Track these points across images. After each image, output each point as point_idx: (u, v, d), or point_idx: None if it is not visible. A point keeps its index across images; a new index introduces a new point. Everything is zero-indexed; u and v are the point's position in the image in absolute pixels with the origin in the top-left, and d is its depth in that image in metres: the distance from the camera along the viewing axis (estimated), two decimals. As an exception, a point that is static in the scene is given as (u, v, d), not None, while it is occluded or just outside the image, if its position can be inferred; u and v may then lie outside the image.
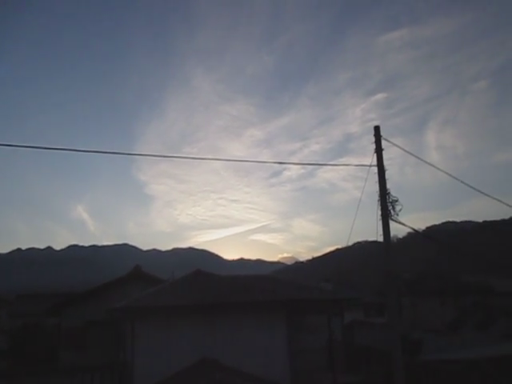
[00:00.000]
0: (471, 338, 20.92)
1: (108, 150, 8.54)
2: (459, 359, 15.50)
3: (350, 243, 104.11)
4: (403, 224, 9.77)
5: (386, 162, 9.98)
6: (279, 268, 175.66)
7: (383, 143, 10.07)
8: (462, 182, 10.62)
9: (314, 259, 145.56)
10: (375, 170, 9.96)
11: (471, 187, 10.83)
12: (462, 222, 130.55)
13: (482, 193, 10.93)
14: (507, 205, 11.31)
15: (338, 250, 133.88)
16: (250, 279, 18.36)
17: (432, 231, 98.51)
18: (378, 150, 10.00)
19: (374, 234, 9.59)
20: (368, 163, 10.14)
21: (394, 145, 10.22)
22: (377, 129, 10.15)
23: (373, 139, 10.10)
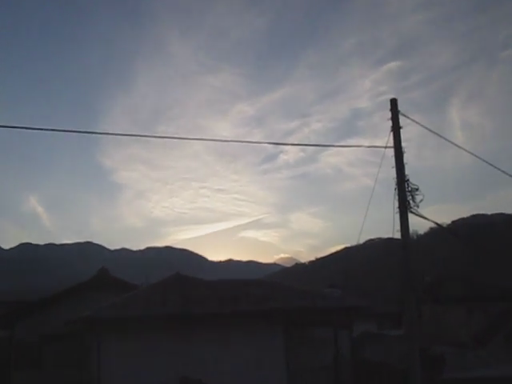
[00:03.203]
0: (502, 353, 21.29)
1: (66, 129, 8.39)
2: (487, 377, 15.78)
3: (361, 241, 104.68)
4: (425, 217, 9.86)
5: (403, 144, 10.03)
6: (275, 271, 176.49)
7: (401, 120, 10.10)
8: (494, 166, 10.71)
9: (317, 260, 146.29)
10: (390, 152, 9.99)
11: (505, 173, 10.92)
12: (493, 214, 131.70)
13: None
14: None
15: (346, 249, 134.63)
16: (240, 284, 18.43)
17: (458, 226, 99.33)
18: (396, 128, 10.02)
19: (390, 229, 9.67)
20: (381, 144, 10.18)
21: (414, 122, 10.26)
22: (393, 102, 10.16)
23: (386, 116, 10.13)
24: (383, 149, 10.11)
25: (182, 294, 15.24)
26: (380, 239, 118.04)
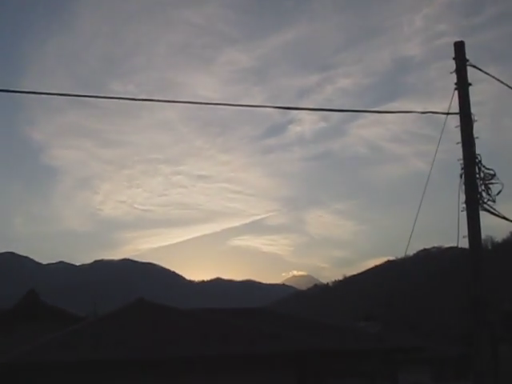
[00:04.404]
0: None
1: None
2: None
3: (411, 252, 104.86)
4: (504, 217, 9.86)
5: (473, 109, 9.99)
6: (285, 295, 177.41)
7: (469, 74, 10.07)
8: None
9: (347, 280, 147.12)
10: (455, 121, 9.98)
11: None
12: None
13: None
14: None
15: (388, 263, 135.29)
16: (232, 315, 18.50)
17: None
18: (462, 86, 9.99)
19: (453, 234, 9.68)
20: (439, 109, 10.15)
21: (490, 76, 10.22)
22: (459, 47, 10.09)
23: (447, 67, 10.06)
24: (443, 116, 10.09)
25: (146, 330, 15.30)
26: (438, 249, 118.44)
